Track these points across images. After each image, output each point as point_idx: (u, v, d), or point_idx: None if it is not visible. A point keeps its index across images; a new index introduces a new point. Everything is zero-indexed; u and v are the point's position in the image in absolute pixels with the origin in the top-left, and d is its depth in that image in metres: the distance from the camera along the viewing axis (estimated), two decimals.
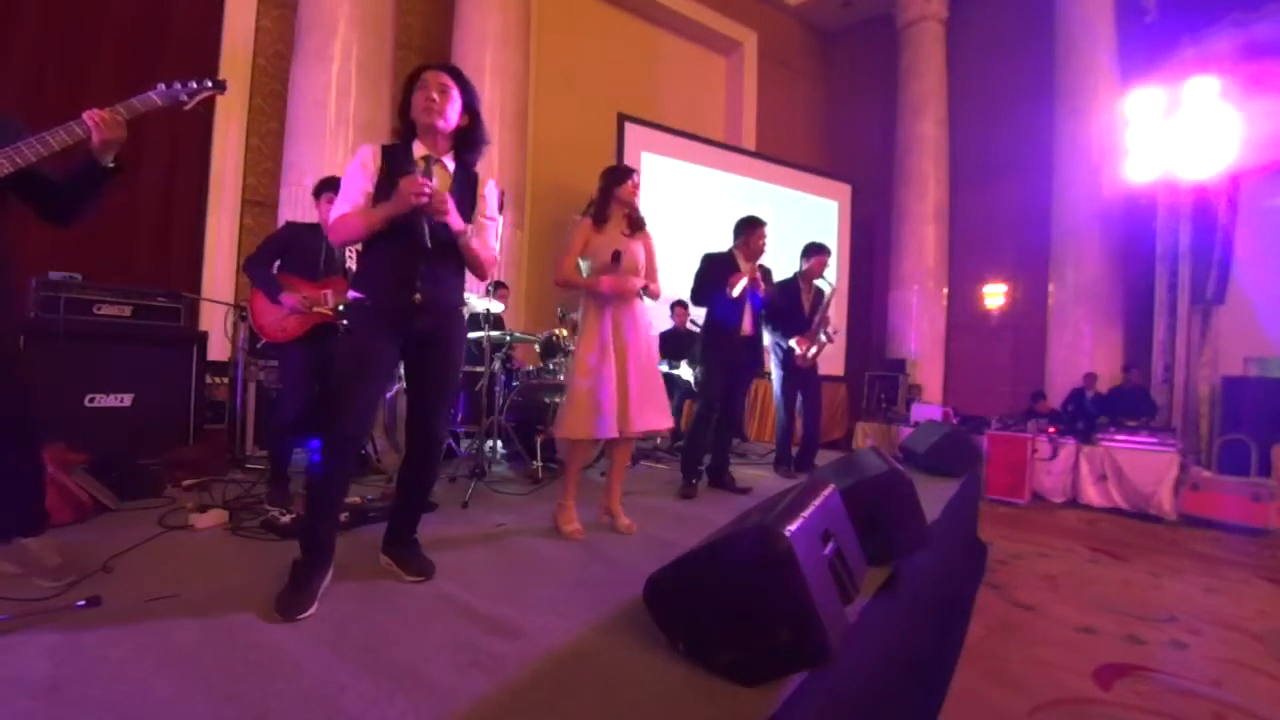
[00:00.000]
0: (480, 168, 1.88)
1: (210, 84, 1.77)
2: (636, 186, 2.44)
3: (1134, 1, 6.78)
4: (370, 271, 1.75)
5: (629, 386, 2.32)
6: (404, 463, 1.86)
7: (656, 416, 2.39)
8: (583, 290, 2.40)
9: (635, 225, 2.47)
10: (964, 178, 8.58)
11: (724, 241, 3.44)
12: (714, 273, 3.26)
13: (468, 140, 1.80)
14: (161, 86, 1.69)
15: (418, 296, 1.70)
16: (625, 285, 2.35)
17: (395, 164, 1.69)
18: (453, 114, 1.73)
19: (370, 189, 1.69)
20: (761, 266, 3.34)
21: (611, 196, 2.42)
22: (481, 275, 1.86)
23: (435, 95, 1.69)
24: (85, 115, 1.53)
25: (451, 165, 1.80)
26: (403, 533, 1.85)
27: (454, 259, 1.78)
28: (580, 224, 2.43)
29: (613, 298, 2.35)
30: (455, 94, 1.73)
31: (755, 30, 9.19)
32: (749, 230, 3.30)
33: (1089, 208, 6.91)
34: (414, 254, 1.69)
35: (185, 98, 1.73)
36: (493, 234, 1.90)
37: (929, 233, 8.51)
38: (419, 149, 1.75)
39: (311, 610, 1.45)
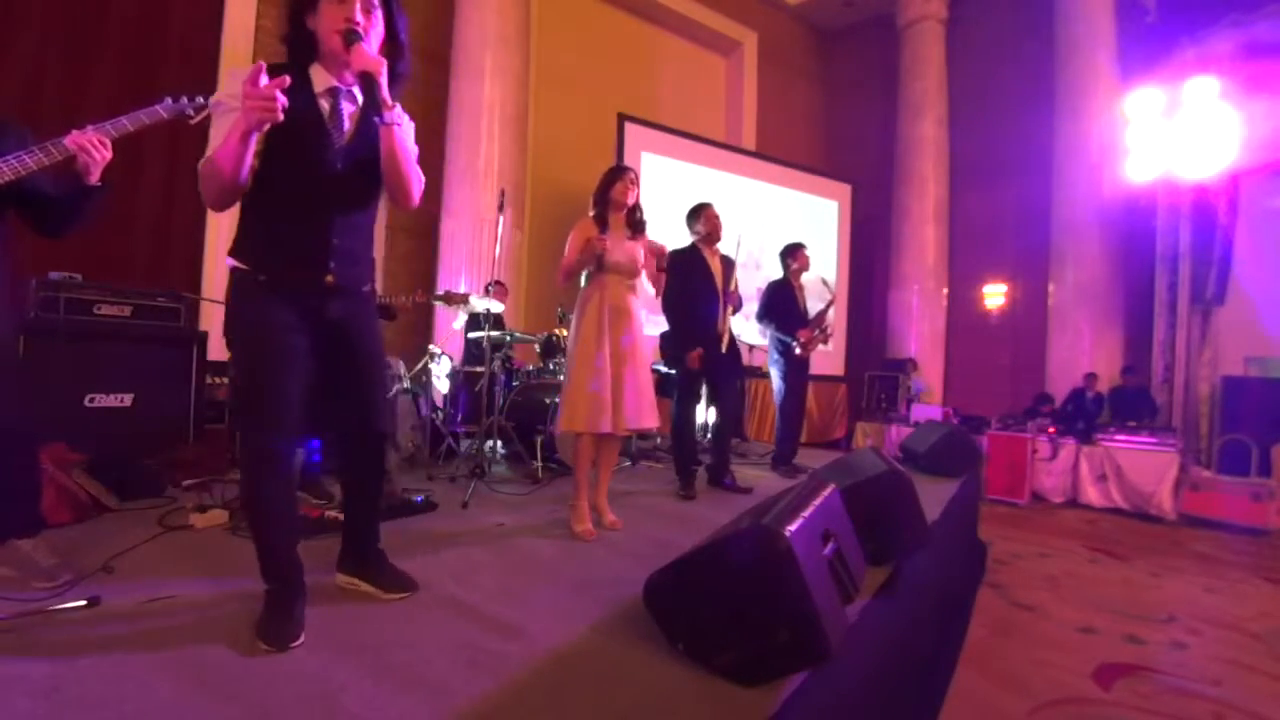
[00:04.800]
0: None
1: None
2: (631, 184, 2.43)
3: (1134, 1, 6.78)
4: (259, 235, 1.34)
5: (624, 383, 2.33)
6: (344, 469, 1.60)
7: (649, 414, 2.40)
8: (585, 271, 2.41)
9: (635, 228, 2.47)
10: (964, 178, 8.57)
11: (724, 243, 3.44)
12: (681, 269, 3.17)
13: (389, 73, 1.35)
14: (168, 100, 1.69)
15: (330, 277, 1.36)
16: (609, 253, 2.35)
17: (290, 97, 1.23)
18: (375, 39, 1.38)
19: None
20: (729, 260, 3.35)
21: (605, 199, 2.43)
22: (408, 198, 1.44)
23: (359, 15, 1.32)
24: (68, 138, 1.52)
25: (360, 99, 1.43)
26: (365, 546, 1.59)
27: (366, 227, 1.49)
28: (581, 223, 2.44)
29: (609, 295, 2.37)
30: (378, 14, 1.38)
31: (755, 30, 9.18)
32: (696, 217, 3.33)
33: (1089, 207, 6.90)
34: (324, 216, 1.34)
35: (191, 112, 1.72)
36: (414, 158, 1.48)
37: (929, 233, 8.50)
38: (320, 76, 1.38)
39: (302, 638, 1.30)
